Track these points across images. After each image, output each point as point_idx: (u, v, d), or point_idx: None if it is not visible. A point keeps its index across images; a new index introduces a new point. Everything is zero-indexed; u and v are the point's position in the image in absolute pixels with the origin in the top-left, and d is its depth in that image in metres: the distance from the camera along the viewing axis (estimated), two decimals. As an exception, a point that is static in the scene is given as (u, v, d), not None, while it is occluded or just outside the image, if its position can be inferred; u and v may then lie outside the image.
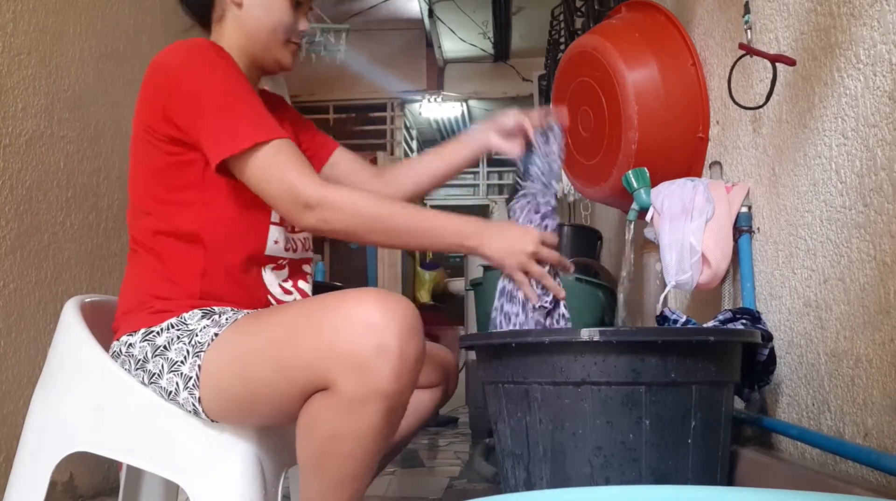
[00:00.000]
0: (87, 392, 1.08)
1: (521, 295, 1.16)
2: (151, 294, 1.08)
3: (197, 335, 1.01)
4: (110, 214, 2.08)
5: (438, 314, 4.63)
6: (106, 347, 1.09)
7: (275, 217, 1.14)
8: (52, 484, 1.09)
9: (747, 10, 1.33)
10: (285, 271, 1.18)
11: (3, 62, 1.68)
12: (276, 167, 1.03)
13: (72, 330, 1.12)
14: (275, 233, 1.14)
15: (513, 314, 1.18)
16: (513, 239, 1.11)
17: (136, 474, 1.30)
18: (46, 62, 1.82)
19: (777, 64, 1.24)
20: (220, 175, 1.07)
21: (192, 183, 1.08)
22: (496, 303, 1.21)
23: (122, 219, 2.13)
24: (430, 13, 5.32)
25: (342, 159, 1.36)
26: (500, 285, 1.20)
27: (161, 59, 1.10)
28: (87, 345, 1.09)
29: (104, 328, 1.14)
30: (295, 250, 1.20)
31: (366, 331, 0.89)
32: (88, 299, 1.20)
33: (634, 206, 1.54)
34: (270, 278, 1.15)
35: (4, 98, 1.68)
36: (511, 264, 1.12)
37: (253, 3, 1.17)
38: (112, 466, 1.94)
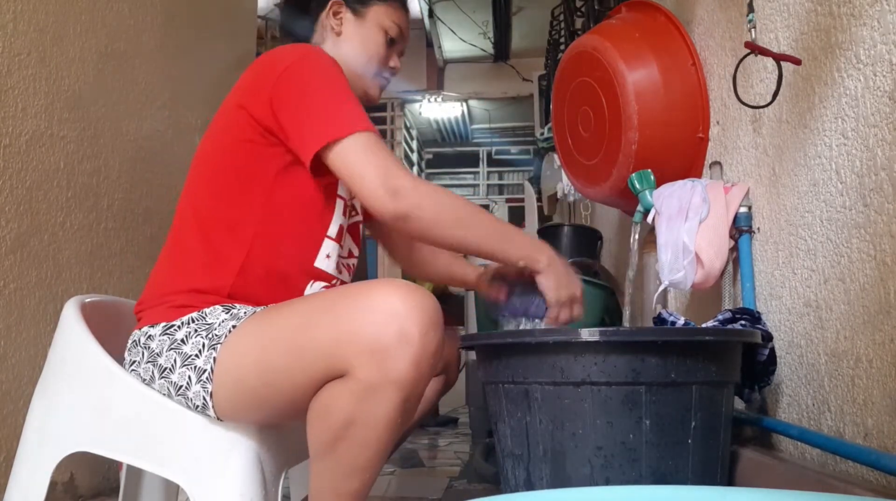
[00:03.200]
0: (88, 392, 1.08)
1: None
2: (180, 285, 1.08)
3: (215, 329, 1.01)
4: (110, 214, 2.08)
5: (438, 314, 4.62)
6: (106, 347, 1.09)
7: (331, 232, 1.16)
8: (53, 484, 1.09)
9: (751, 9, 1.32)
10: None
11: (3, 62, 1.68)
12: (372, 154, 1.05)
13: (72, 330, 1.12)
14: (329, 247, 1.16)
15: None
16: (568, 279, 1.19)
17: (136, 474, 1.30)
18: (46, 62, 1.82)
19: (782, 63, 1.23)
20: (294, 177, 1.09)
21: (263, 178, 1.10)
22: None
23: (123, 219, 2.13)
24: (430, 13, 5.33)
25: None
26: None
27: (277, 52, 1.13)
28: (87, 345, 1.09)
29: (104, 327, 1.14)
30: (340, 272, 1.22)
31: (388, 318, 0.90)
32: (88, 300, 1.20)
33: (639, 207, 1.55)
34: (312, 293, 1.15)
35: (4, 98, 1.68)
36: (560, 297, 1.18)
37: (352, 34, 1.25)
38: (112, 466, 1.94)
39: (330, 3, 1.26)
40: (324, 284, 1.16)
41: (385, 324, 0.90)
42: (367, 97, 1.28)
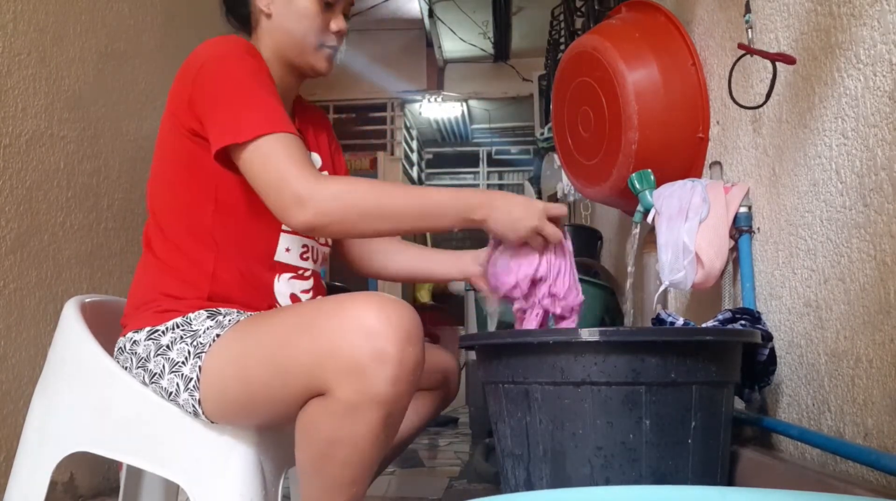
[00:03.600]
0: (88, 392, 1.08)
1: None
2: (161, 292, 1.08)
3: (200, 337, 1.01)
4: (110, 214, 2.08)
5: (438, 314, 4.63)
6: (106, 347, 1.09)
7: (286, 225, 1.14)
8: (53, 484, 1.09)
9: (748, 10, 1.33)
10: (309, 282, 1.18)
11: (3, 62, 1.68)
12: (272, 159, 0.99)
13: (72, 330, 1.12)
14: (286, 241, 1.14)
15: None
16: (518, 213, 1.08)
17: (136, 474, 1.30)
18: (46, 62, 1.82)
19: (777, 63, 1.23)
20: (233, 175, 1.06)
21: (207, 181, 1.08)
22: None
23: (123, 219, 2.13)
24: (430, 13, 5.32)
25: None
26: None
27: (194, 52, 1.10)
28: (87, 345, 1.09)
29: (104, 328, 1.14)
30: (316, 261, 1.20)
31: (364, 336, 0.88)
32: (88, 300, 1.20)
33: (639, 207, 1.55)
34: (283, 288, 1.14)
35: (4, 98, 1.68)
36: (512, 238, 1.10)
37: (280, 12, 1.17)
38: (112, 466, 1.94)
39: None
40: (290, 274, 1.15)
41: (361, 343, 0.88)
42: (315, 71, 1.20)
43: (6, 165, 1.68)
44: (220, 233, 1.09)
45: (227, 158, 1.04)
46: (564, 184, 3.38)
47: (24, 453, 1.11)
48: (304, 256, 1.17)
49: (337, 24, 1.18)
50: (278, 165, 0.99)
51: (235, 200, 1.09)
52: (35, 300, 1.76)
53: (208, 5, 2.70)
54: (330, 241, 1.26)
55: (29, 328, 1.74)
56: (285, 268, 1.14)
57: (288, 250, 1.14)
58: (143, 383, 1.03)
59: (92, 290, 1.97)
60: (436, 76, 6.14)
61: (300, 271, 1.17)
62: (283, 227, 1.14)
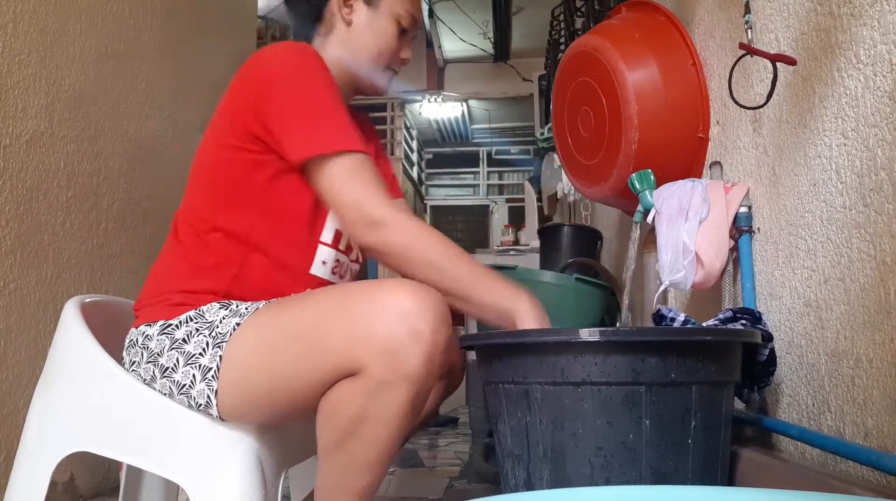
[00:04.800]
0: (88, 392, 1.08)
1: None
2: (177, 285, 1.08)
3: (218, 327, 1.01)
4: (110, 214, 2.08)
5: (438, 314, 4.62)
6: (106, 347, 1.09)
7: (325, 237, 1.14)
8: (53, 484, 1.09)
9: (748, 10, 1.33)
10: None
11: (4, 62, 1.68)
12: (353, 179, 1.03)
13: (72, 330, 1.12)
14: (324, 253, 1.15)
15: None
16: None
17: (136, 474, 1.30)
18: (46, 62, 1.82)
19: (777, 63, 1.23)
20: (286, 185, 1.08)
21: (255, 186, 1.09)
22: None
23: (123, 219, 2.13)
24: (430, 13, 5.33)
25: None
26: None
27: (263, 55, 1.10)
28: (87, 345, 1.09)
29: (104, 328, 1.14)
30: (344, 277, 1.21)
31: (400, 317, 0.91)
32: (89, 300, 1.20)
33: (639, 208, 1.55)
34: None
35: (4, 98, 1.68)
36: None
37: (363, 24, 1.19)
38: (112, 466, 1.94)
39: None
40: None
41: (397, 323, 0.91)
42: (374, 89, 1.24)
43: (6, 165, 1.68)
44: (257, 237, 1.09)
45: (300, 168, 1.06)
46: (564, 184, 3.38)
47: (24, 453, 1.11)
48: (335, 270, 1.19)
49: (406, 53, 1.24)
50: (360, 184, 1.03)
51: (285, 208, 1.10)
52: (35, 300, 1.76)
53: (208, 6, 2.71)
54: (362, 258, 1.27)
55: (29, 328, 1.74)
56: (317, 282, 1.15)
57: (324, 263, 1.15)
58: (153, 377, 1.03)
59: (92, 290, 1.97)
60: (436, 76, 6.15)
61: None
62: (322, 239, 1.14)
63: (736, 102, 1.35)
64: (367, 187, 1.04)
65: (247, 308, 1.03)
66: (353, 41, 1.20)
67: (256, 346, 0.98)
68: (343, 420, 0.94)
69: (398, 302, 0.92)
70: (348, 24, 1.19)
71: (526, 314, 1.08)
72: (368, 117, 1.40)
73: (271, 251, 1.10)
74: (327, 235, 1.15)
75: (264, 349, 0.98)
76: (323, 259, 1.15)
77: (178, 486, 1.17)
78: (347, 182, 1.04)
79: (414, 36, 1.25)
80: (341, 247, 1.19)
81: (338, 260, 1.18)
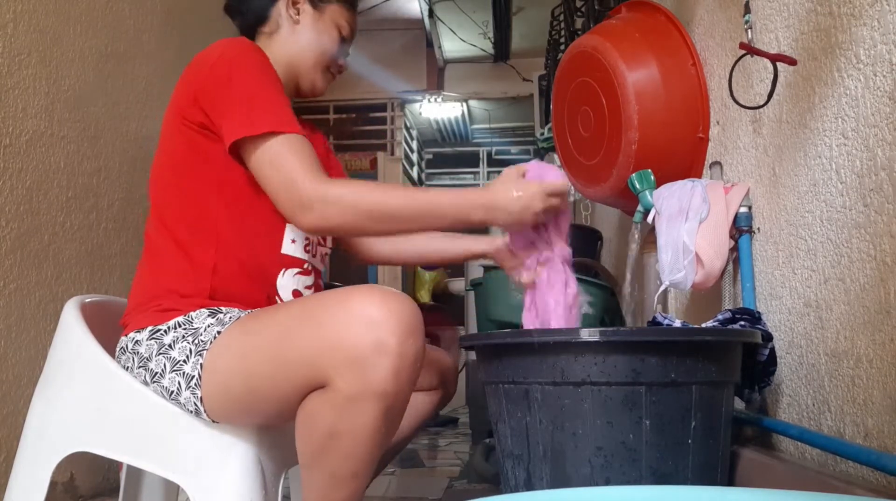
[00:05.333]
0: (88, 392, 1.08)
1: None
2: (162, 290, 1.08)
3: (201, 334, 1.01)
4: (110, 214, 2.08)
5: (438, 314, 4.63)
6: (106, 347, 1.09)
7: None
8: (53, 484, 1.09)
9: (748, 10, 1.33)
10: (310, 278, 1.19)
11: (4, 62, 1.68)
12: (282, 158, 1.03)
13: (72, 330, 1.12)
14: (291, 232, 1.15)
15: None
16: (519, 206, 1.09)
17: (136, 474, 1.30)
18: (46, 62, 1.82)
19: (778, 63, 1.23)
20: (241, 167, 1.08)
21: (213, 174, 1.09)
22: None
23: (123, 219, 2.13)
24: (430, 13, 5.33)
25: None
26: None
27: (203, 52, 1.13)
28: (87, 345, 1.09)
29: (104, 328, 1.14)
30: (316, 256, 1.21)
31: (365, 327, 0.88)
32: (89, 300, 1.20)
33: (639, 208, 1.55)
34: (287, 282, 1.15)
35: (5, 98, 1.68)
36: (519, 229, 1.15)
37: (310, 25, 1.25)
38: (112, 466, 1.94)
39: None
40: (296, 270, 1.16)
41: (362, 334, 0.88)
42: (313, 89, 1.28)
43: (6, 165, 1.68)
44: (225, 227, 1.09)
45: (237, 152, 1.06)
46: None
47: (24, 453, 1.11)
48: (308, 248, 1.19)
49: (344, 59, 1.30)
50: (287, 164, 1.02)
51: (243, 192, 1.10)
52: (35, 300, 1.76)
53: (208, 5, 2.71)
54: (329, 242, 1.27)
55: (29, 328, 1.74)
56: (292, 262, 1.15)
57: (294, 241, 1.15)
58: (145, 382, 1.03)
59: (92, 290, 1.97)
60: (436, 76, 6.15)
61: (305, 266, 1.18)
62: None
63: (736, 102, 1.35)
64: (296, 166, 1.02)
65: (230, 317, 1.03)
66: (298, 41, 1.25)
67: (233, 355, 0.98)
68: (316, 435, 0.93)
69: (364, 311, 0.89)
70: (296, 23, 1.25)
71: (488, 210, 1.08)
72: (311, 122, 1.41)
73: (242, 238, 1.10)
74: None
75: (239, 359, 0.97)
76: (292, 238, 1.15)
77: (178, 486, 1.17)
78: (276, 162, 1.03)
79: (348, 49, 1.31)
80: None
81: (307, 238, 1.18)
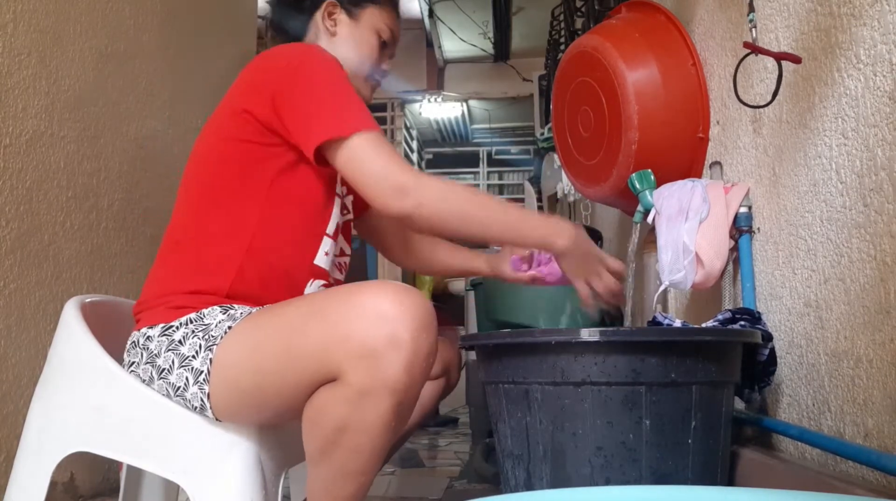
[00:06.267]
0: (88, 392, 1.08)
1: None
2: (178, 287, 1.08)
3: (212, 330, 1.01)
4: (110, 214, 2.08)
5: (438, 314, 4.61)
6: (106, 347, 1.09)
7: (329, 229, 1.16)
8: (53, 484, 1.09)
9: (752, 9, 1.32)
10: None
11: (4, 62, 1.68)
12: (377, 152, 1.05)
13: (72, 330, 1.12)
14: (327, 244, 1.16)
15: None
16: (589, 255, 1.19)
17: (136, 474, 1.30)
18: (46, 62, 1.82)
19: (782, 62, 1.23)
20: (297, 177, 1.10)
21: (263, 179, 1.10)
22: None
23: (123, 219, 2.13)
24: (430, 13, 5.33)
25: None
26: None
27: (274, 51, 1.13)
28: (87, 345, 1.09)
29: (104, 328, 1.14)
30: (341, 270, 1.23)
31: (378, 321, 0.88)
32: (89, 300, 1.20)
33: (639, 208, 1.55)
34: (312, 292, 1.15)
35: (5, 98, 1.68)
36: (578, 275, 1.19)
37: (347, 35, 1.26)
38: (112, 466, 1.94)
39: (325, 3, 1.27)
40: (322, 282, 1.16)
41: (375, 328, 0.88)
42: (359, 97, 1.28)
43: (6, 165, 1.68)
44: (261, 232, 1.09)
45: (319, 154, 1.07)
46: (564, 184, 3.38)
47: (24, 453, 1.11)
48: (336, 263, 1.21)
49: (385, 64, 1.31)
50: (384, 157, 1.06)
51: (289, 200, 1.11)
52: (35, 300, 1.76)
53: (208, 5, 2.71)
54: (347, 250, 1.27)
55: (29, 328, 1.74)
56: (321, 273, 1.16)
57: (327, 253, 1.16)
58: (151, 378, 1.03)
59: (92, 290, 1.97)
60: (436, 76, 6.15)
61: (329, 278, 1.19)
62: (327, 230, 1.16)
63: (742, 102, 1.35)
64: (391, 158, 1.06)
65: (242, 313, 1.03)
66: (337, 51, 1.24)
67: (243, 350, 0.98)
68: (326, 429, 0.92)
69: (378, 306, 0.89)
70: (332, 34, 1.26)
71: (566, 245, 1.15)
72: None
73: (277, 243, 1.11)
74: (331, 226, 1.16)
75: (250, 353, 0.97)
76: (326, 250, 1.16)
77: (178, 486, 1.17)
78: (371, 155, 1.05)
79: (392, 51, 1.32)
80: (337, 241, 1.20)
81: (339, 250, 1.20)
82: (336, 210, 1.17)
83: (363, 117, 1.07)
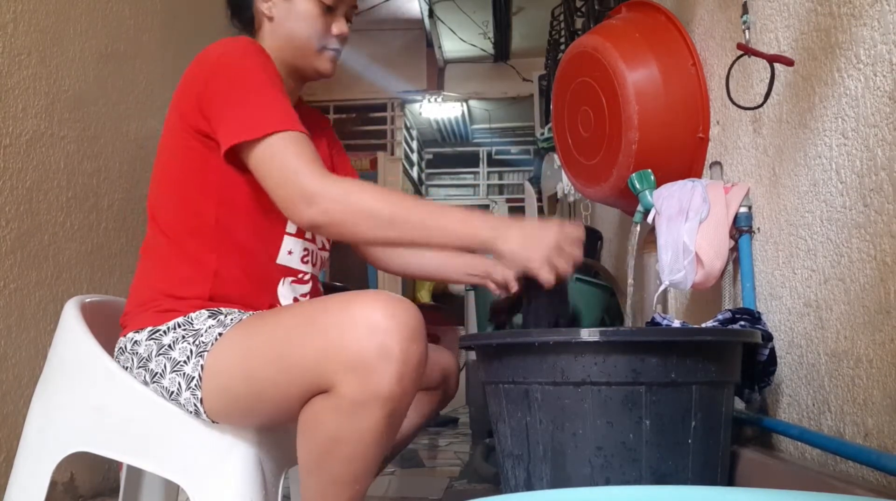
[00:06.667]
0: (88, 392, 1.08)
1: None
2: (161, 292, 1.08)
3: (202, 336, 1.01)
4: (110, 214, 2.08)
5: (438, 314, 4.63)
6: (106, 347, 1.09)
7: (290, 228, 1.14)
8: (53, 484, 1.09)
9: (745, 11, 1.33)
10: (307, 287, 1.19)
11: (4, 62, 1.68)
12: (282, 155, 1.00)
13: (72, 330, 1.12)
14: (289, 243, 1.15)
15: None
16: (533, 237, 1.04)
17: (136, 474, 1.30)
18: (46, 62, 1.82)
19: (776, 64, 1.23)
20: (240, 175, 1.07)
21: (212, 181, 1.08)
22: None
23: (123, 219, 2.13)
24: (430, 13, 5.33)
25: None
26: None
27: (204, 52, 1.10)
28: (87, 345, 1.09)
29: (104, 328, 1.14)
30: (315, 265, 1.20)
31: (368, 333, 0.88)
32: (89, 300, 1.20)
33: (639, 208, 1.55)
34: (285, 291, 1.15)
35: (5, 98, 1.68)
36: (530, 261, 1.03)
37: (282, 15, 1.18)
38: (112, 466, 1.94)
39: None
40: (292, 278, 1.16)
41: (366, 339, 0.88)
42: (318, 73, 1.21)
43: (6, 165, 1.68)
44: (223, 234, 1.09)
45: (235, 157, 1.05)
46: (564, 184, 3.38)
47: (24, 453, 1.11)
48: (305, 259, 1.18)
49: (338, 27, 1.20)
50: (288, 161, 1.00)
51: (241, 200, 1.09)
52: (35, 300, 1.76)
53: (208, 5, 2.71)
54: (328, 245, 1.27)
55: (29, 328, 1.74)
56: (287, 272, 1.15)
57: (290, 252, 1.15)
58: (144, 382, 1.03)
59: (92, 290, 1.97)
60: (436, 76, 6.15)
61: (300, 275, 1.17)
62: (287, 229, 1.14)
63: (734, 103, 1.35)
64: (300, 162, 0.99)
65: (232, 319, 1.03)
66: (278, 33, 1.19)
67: (235, 357, 0.98)
68: (319, 440, 0.93)
69: (368, 316, 0.89)
70: (270, 19, 1.19)
71: (497, 237, 1.02)
72: (321, 113, 1.38)
73: (240, 246, 1.10)
74: (292, 225, 1.14)
75: (242, 361, 0.97)
76: (289, 249, 1.15)
77: (178, 486, 1.17)
78: (279, 160, 1.00)
79: (346, 10, 1.21)
80: (307, 236, 1.18)
81: (306, 249, 1.18)
82: None
83: (278, 118, 1.02)
